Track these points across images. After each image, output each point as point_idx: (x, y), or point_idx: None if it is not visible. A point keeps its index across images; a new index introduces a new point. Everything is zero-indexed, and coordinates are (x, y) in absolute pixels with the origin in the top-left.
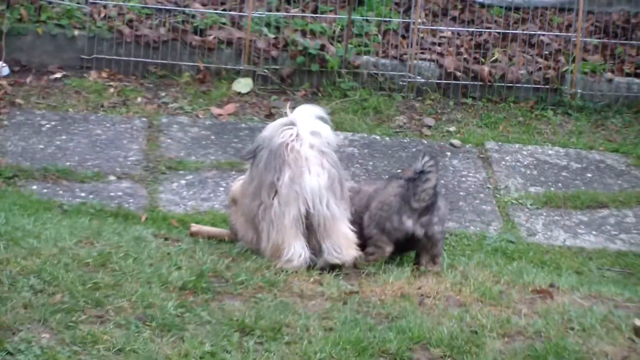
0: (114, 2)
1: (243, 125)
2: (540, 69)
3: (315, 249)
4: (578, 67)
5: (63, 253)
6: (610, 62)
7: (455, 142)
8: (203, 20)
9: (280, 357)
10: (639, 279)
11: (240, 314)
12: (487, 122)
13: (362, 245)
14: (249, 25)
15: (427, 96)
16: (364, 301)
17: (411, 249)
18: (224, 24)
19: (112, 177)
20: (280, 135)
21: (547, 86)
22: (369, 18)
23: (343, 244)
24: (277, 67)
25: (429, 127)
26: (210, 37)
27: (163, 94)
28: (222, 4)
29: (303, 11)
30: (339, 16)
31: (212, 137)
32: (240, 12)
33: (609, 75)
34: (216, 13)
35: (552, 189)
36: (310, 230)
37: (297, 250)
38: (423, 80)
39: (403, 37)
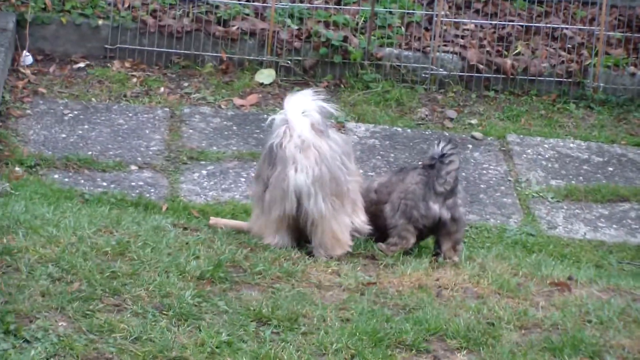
0: None
1: (265, 116)
2: (563, 62)
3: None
4: (601, 61)
5: (82, 242)
6: (634, 56)
7: (477, 134)
8: (226, 10)
9: (296, 348)
10: None
11: (257, 304)
12: (509, 115)
13: (383, 237)
14: (272, 16)
15: (449, 88)
16: (381, 292)
17: (434, 235)
18: (247, 14)
19: (133, 167)
20: (275, 134)
21: (569, 79)
22: (392, 10)
23: (329, 243)
24: (299, 58)
25: (451, 119)
26: (234, 28)
27: (186, 84)
28: None
29: (326, 2)
30: (362, 8)
31: (234, 127)
32: (263, 3)
33: (632, 69)
34: (239, 4)
35: (573, 182)
36: (302, 225)
37: (276, 242)
38: (445, 72)
39: (426, 29)
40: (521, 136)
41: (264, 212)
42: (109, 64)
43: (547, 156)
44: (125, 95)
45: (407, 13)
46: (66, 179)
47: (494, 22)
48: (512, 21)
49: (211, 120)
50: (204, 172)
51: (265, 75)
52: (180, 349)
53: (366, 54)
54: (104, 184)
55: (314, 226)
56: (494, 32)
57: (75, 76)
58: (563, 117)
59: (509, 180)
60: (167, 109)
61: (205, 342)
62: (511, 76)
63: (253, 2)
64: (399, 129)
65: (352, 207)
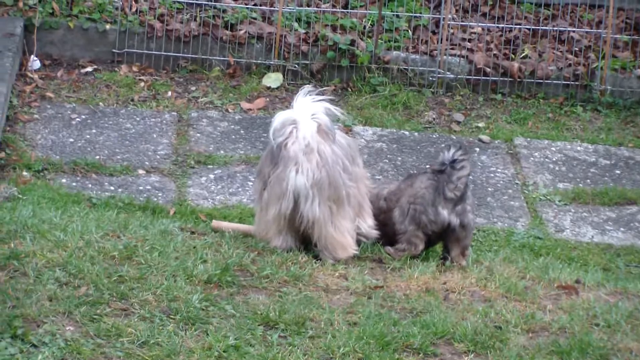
0: None
1: (272, 120)
2: (570, 65)
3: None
4: (608, 64)
5: (89, 246)
6: None
7: (484, 137)
8: (234, 14)
9: (303, 351)
10: None
11: (264, 308)
12: (516, 118)
13: (391, 242)
14: (279, 20)
15: (456, 92)
16: (388, 296)
17: (442, 241)
18: (254, 18)
19: (141, 171)
20: (280, 133)
21: (576, 82)
22: (399, 13)
23: (331, 246)
24: (307, 62)
25: (458, 122)
26: (241, 32)
27: (193, 88)
28: None
29: (334, 6)
30: (369, 11)
31: (242, 131)
32: (271, 6)
33: (639, 71)
34: (247, 8)
35: (580, 185)
36: (297, 226)
37: (279, 244)
38: (453, 76)
39: (433, 32)
40: (528, 139)
41: (262, 210)
42: (116, 68)
43: (554, 159)
44: (132, 100)
45: (415, 16)
46: (74, 183)
47: (501, 25)
48: (519, 24)
49: (218, 124)
50: (212, 176)
51: (273, 79)
52: (188, 353)
53: (373, 58)
54: (112, 188)
55: (311, 229)
56: (501, 35)
57: (82, 80)
58: (570, 120)
59: (516, 183)
60: (174, 113)
61: (213, 346)
62: (518, 79)
63: (260, 6)
64: (406, 133)
65: (358, 211)
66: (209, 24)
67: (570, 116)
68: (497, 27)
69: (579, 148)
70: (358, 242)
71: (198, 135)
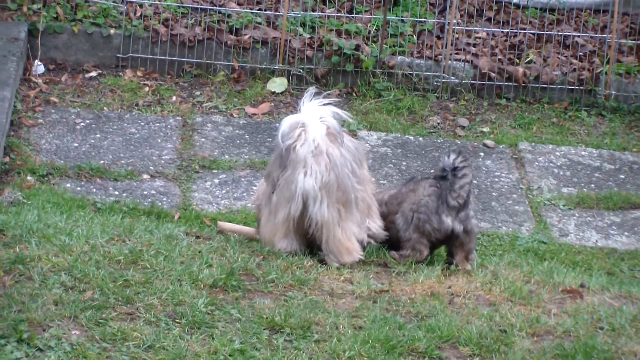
0: (150, 1)
1: (277, 124)
2: (574, 70)
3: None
4: (612, 69)
5: (94, 250)
6: None
7: (489, 142)
8: (238, 19)
9: (309, 355)
10: None
11: (270, 312)
12: (520, 123)
13: (395, 247)
14: (284, 24)
15: (461, 97)
16: (393, 300)
17: (446, 246)
18: (259, 23)
19: (145, 176)
20: (289, 136)
21: (581, 87)
22: (404, 18)
23: (337, 250)
24: (312, 66)
25: (463, 127)
26: (246, 37)
27: (198, 93)
28: (258, 3)
29: (338, 11)
30: (374, 16)
31: (246, 136)
32: (275, 11)
33: None
34: (252, 12)
35: (584, 190)
36: (306, 229)
37: (285, 247)
38: (457, 80)
39: (438, 37)
40: (533, 144)
41: (271, 213)
42: (121, 73)
43: (558, 164)
44: (137, 104)
45: (419, 21)
46: (78, 188)
47: (505, 30)
48: (524, 29)
49: (223, 129)
50: (216, 180)
51: (278, 84)
52: (193, 357)
53: (378, 63)
54: (116, 192)
55: (319, 232)
56: (506, 40)
57: (87, 85)
58: (575, 124)
59: (521, 188)
60: (179, 118)
61: (218, 350)
62: (523, 84)
63: (265, 10)
64: (411, 137)
65: (367, 212)
66: (213, 29)
67: (575, 121)
68: (502, 31)
69: (583, 153)
70: (365, 245)
71: (203, 140)
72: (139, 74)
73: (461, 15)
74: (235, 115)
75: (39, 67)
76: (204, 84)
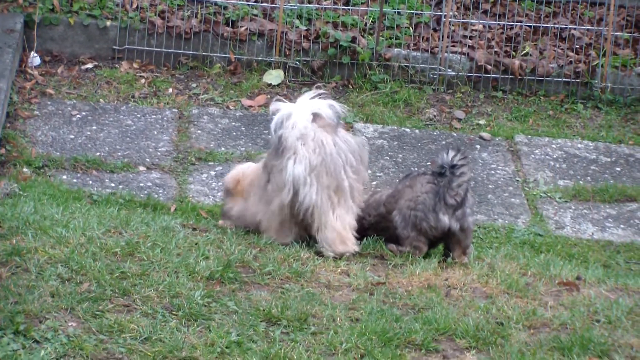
0: None
1: (271, 116)
2: (570, 62)
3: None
4: (609, 61)
5: (91, 242)
6: None
7: (485, 135)
8: (235, 11)
9: (306, 348)
10: None
11: (266, 304)
12: (517, 116)
13: (395, 242)
14: (280, 16)
15: (457, 89)
16: (390, 292)
17: (444, 242)
18: (255, 15)
19: (141, 168)
20: (280, 126)
21: (577, 80)
22: (400, 11)
23: (331, 238)
24: (308, 59)
25: (459, 120)
26: (242, 29)
27: (194, 85)
28: None
29: (335, 3)
30: (370, 8)
31: (243, 128)
32: (272, 3)
33: (639, 69)
34: (248, 4)
35: (581, 182)
36: (299, 217)
37: (280, 237)
38: (454, 73)
39: (434, 29)
40: (529, 136)
41: (266, 203)
42: (117, 65)
43: (554, 156)
44: (133, 96)
45: (416, 14)
46: (74, 180)
47: (502, 23)
48: (520, 22)
49: (219, 121)
50: (213, 172)
51: (274, 76)
52: (190, 349)
53: (374, 55)
54: (112, 184)
55: (311, 217)
56: (502, 33)
57: (83, 77)
58: (571, 117)
59: (517, 180)
60: (175, 110)
61: (215, 342)
62: (519, 77)
63: (261, 3)
64: (407, 130)
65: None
66: (209, 21)
67: (571, 113)
68: (498, 24)
69: (579, 145)
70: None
71: (199, 132)
72: (135, 65)
73: (457, 8)
74: (231, 107)
75: (34, 59)
76: (200, 76)
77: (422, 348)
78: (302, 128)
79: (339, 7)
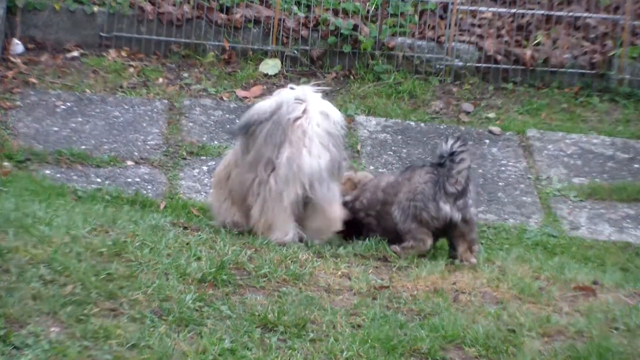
0: None
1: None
2: (585, 53)
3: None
4: (626, 52)
5: (75, 241)
6: None
7: (495, 129)
8: None
9: (304, 356)
10: None
11: (262, 309)
12: (528, 109)
13: (391, 239)
14: (277, 3)
15: (465, 80)
16: (394, 296)
17: (447, 238)
18: (251, 1)
19: (129, 162)
20: (289, 109)
21: (593, 71)
22: None
23: (325, 225)
24: (307, 47)
25: (467, 113)
26: (237, 16)
27: (186, 74)
28: None
29: None
30: None
31: (237, 121)
32: None
33: None
34: None
35: (597, 180)
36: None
37: (288, 231)
38: (461, 63)
39: (441, 17)
40: (542, 131)
41: (268, 201)
42: (104, 53)
43: (569, 152)
44: (121, 86)
45: (421, 0)
46: (58, 175)
47: (512, 11)
48: (532, 9)
49: (212, 113)
50: (205, 168)
51: (270, 66)
52: (181, 357)
53: (377, 44)
54: (99, 180)
55: (318, 211)
56: (513, 21)
57: (68, 66)
58: (586, 111)
59: (529, 177)
60: (165, 101)
61: (207, 350)
62: (531, 67)
63: None
64: (412, 123)
65: None
66: (203, 7)
67: (586, 107)
68: (509, 12)
69: (595, 141)
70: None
71: (190, 124)
72: (123, 54)
73: None
74: (225, 98)
75: (17, 47)
76: (192, 65)
77: (428, 357)
78: (317, 119)
79: None
